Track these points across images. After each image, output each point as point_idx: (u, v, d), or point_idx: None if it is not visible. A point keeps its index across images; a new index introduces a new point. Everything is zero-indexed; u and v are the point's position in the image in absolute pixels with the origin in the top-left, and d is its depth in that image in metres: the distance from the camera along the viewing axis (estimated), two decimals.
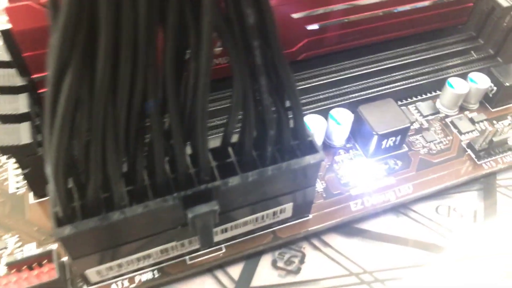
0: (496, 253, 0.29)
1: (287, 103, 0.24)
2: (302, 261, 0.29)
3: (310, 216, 0.30)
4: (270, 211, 0.28)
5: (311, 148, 0.25)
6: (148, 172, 0.23)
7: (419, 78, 0.36)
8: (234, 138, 0.25)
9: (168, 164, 0.24)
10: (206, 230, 0.25)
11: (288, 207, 0.28)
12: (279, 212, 0.28)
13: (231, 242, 0.29)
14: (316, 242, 0.30)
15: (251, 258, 0.29)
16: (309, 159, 0.25)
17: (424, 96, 0.37)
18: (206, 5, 0.18)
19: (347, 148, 0.34)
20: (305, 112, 0.34)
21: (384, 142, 0.32)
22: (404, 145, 0.34)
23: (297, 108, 0.24)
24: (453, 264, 0.29)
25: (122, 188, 0.22)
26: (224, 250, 0.28)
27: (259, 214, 0.27)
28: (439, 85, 0.37)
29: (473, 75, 0.35)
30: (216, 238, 0.28)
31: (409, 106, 0.36)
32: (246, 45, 0.20)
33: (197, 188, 0.23)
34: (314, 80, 0.35)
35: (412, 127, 0.35)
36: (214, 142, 0.25)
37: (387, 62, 0.36)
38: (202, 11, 0.18)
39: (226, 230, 0.27)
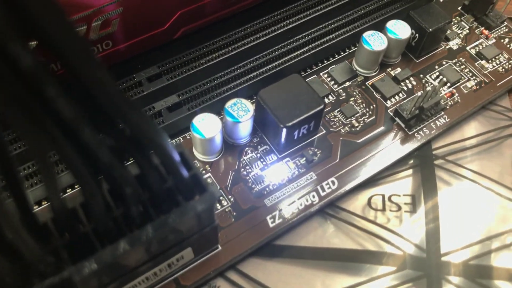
0: (448, 253, 0.25)
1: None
2: None
3: (219, 247, 0.24)
4: (163, 265, 0.21)
5: (196, 185, 0.19)
6: None
7: (328, 38, 0.30)
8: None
9: None
10: None
11: (187, 252, 0.22)
12: (175, 261, 0.22)
13: None
14: (232, 275, 0.24)
15: None
16: (195, 206, 0.18)
17: (337, 57, 0.31)
18: None
19: (254, 144, 0.27)
20: (194, 110, 0.26)
21: (296, 133, 0.26)
22: (321, 127, 0.28)
23: (155, 141, 0.17)
24: (398, 276, 0.24)
25: None
26: None
27: (149, 274, 0.21)
28: (353, 39, 0.30)
29: (391, 24, 0.29)
30: None
31: (321, 73, 0.30)
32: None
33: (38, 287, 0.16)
34: (200, 62, 0.27)
35: (327, 100, 0.29)
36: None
37: (287, 22, 0.29)
38: None
39: None
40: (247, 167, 0.26)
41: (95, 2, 0.23)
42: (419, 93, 0.26)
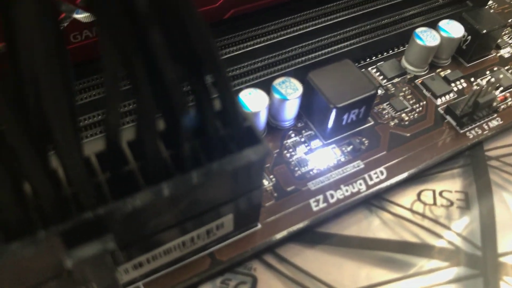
0: (505, 253, 0.23)
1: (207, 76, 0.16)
2: None
3: (259, 225, 0.22)
4: (203, 229, 0.19)
5: (250, 137, 0.17)
6: None
7: (378, 32, 0.29)
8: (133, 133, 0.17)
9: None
10: (102, 274, 0.17)
11: (227, 220, 0.20)
12: (215, 228, 0.20)
13: (152, 277, 0.20)
14: (269, 258, 0.22)
15: None
16: (249, 154, 0.17)
17: (385, 54, 0.30)
18: None
19: (298, 128, 0.26)
20: (240, 87, 0.26)
21: (345, 117, 0.25)
22: (369, 118, 0.26)
23: (222, 81, 0.16)
24: (450, 272, 0.22)
25: None
26: None
27: (186, 237, 0.19)
28: (403, 39, 0.30)
29: (444, 23, 0.28)
30: (128, 276, 0.19)
31: (369, 69, 0.29)
32: None
33: (77, 219, 0.15)
34: (248, 44, 0.27)
35: None
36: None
37: (339, 14, 0.29)
38: None
39: (140, 265, 0.19)
40: (291, 150, 0.25)
41: None
42: (475, 87, 0.25)
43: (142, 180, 0.16)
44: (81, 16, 0.23)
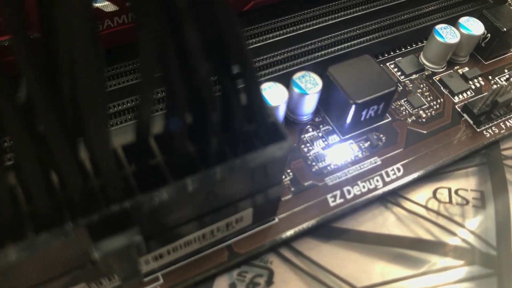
0: None
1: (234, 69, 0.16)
2: (270, 282, 0.22)
3: (276, 219, 0.22)
4: (222, 223, 0.20)
5: (274, 133, 0.18)
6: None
7: (398, 28, 0.29)
8: (159, 126, 0.17)
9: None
10: (126, 265, 0.17)
11: (247, 214, 0.20)
12: (234, 222, 0.20)
13: (171, 268, 0.21)
14: (286, 252, 0.23)
15: (201, 286, 0.21)
16: (273, 150, 0.17)
17: (404, 50, 0.30)
18: None
19: (316, 123, 0.26)
20: (259, 80, 0.26)
21: (364, 113, 0.25)
22: (387, 114, 0.26)
23: (250, 76, 0.16)
24: (464, 271, 0.22)
25: None
26: (161, 281, 0.20)
27: (206, 230, 0.19)
28: (422, 35, 0.30)
29: (464, 20, 0.28)
30: (148, 267, 0.20)
31: (388, 64, 0.29)
32: None
33: (105, 211, 0.15)
34: (267, 36, 0.27)
35: None
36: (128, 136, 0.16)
37: (359, 8, 0.29)
38: None
39: (161, 256, 0.19)
40: (308, 145, 0.25)
41: None
42: (494, 87, 0.25)
43: (169, 173, 0.16)
44: (101, 5, 0.23)
